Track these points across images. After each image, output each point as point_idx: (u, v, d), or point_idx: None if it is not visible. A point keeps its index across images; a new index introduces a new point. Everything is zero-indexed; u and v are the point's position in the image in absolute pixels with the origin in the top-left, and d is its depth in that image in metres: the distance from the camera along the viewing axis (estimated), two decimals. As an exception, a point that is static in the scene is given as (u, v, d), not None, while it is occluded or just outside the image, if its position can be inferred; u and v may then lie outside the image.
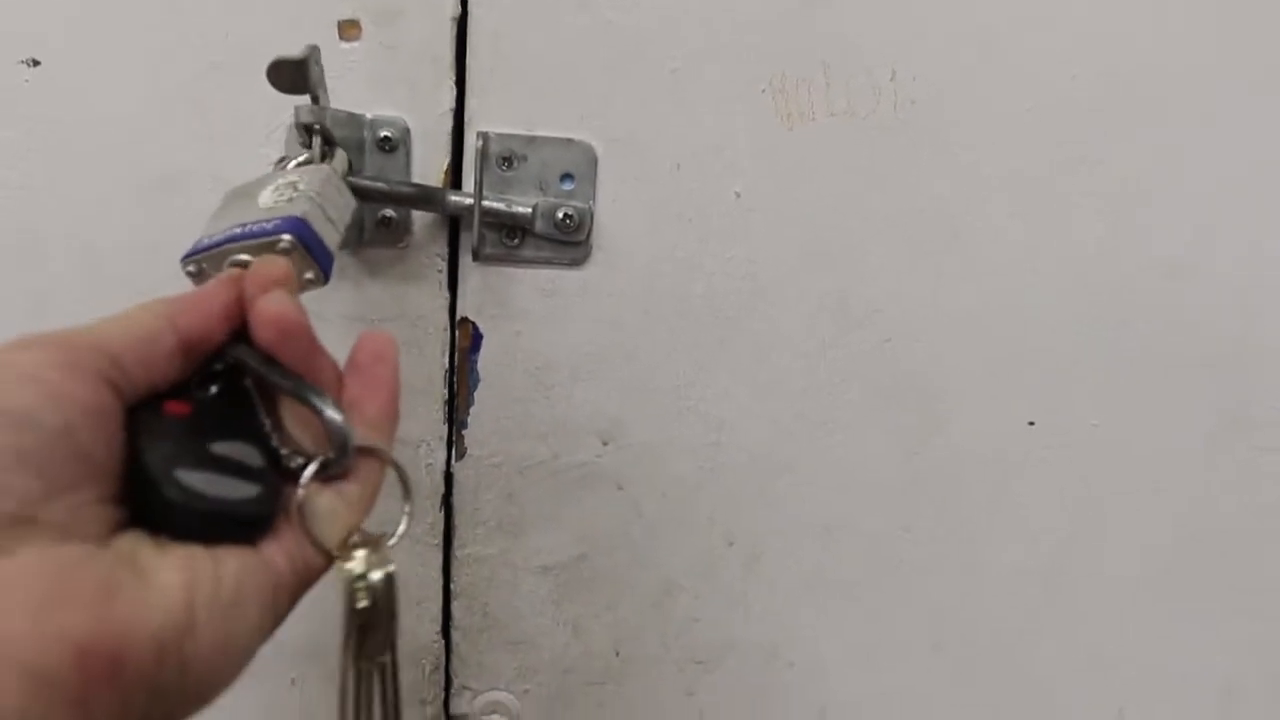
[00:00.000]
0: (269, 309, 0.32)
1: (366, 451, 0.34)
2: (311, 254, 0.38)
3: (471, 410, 0.56)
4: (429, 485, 0.57)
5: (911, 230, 0.53)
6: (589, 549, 0.58)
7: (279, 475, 0.32)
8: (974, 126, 0.52)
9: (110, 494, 0.28)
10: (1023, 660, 0.61)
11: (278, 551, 0.31)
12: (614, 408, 0.56)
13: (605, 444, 0.56)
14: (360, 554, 0.32)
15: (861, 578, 0.59)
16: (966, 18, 0.51)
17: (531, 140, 0.52)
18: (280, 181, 0.42)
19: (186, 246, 0.38)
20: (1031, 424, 0.56)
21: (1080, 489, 0.58)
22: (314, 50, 0.45)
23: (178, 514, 0.29)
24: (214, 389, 0.33)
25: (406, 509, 0.35)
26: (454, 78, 0.51)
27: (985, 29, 0.51)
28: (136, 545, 0.28)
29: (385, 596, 0.32)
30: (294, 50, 0.44)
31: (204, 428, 0.31)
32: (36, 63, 0.50)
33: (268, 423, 0.33)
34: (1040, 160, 0.53)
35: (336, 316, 0.55)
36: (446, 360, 0.55)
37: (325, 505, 0.32)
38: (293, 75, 0.44)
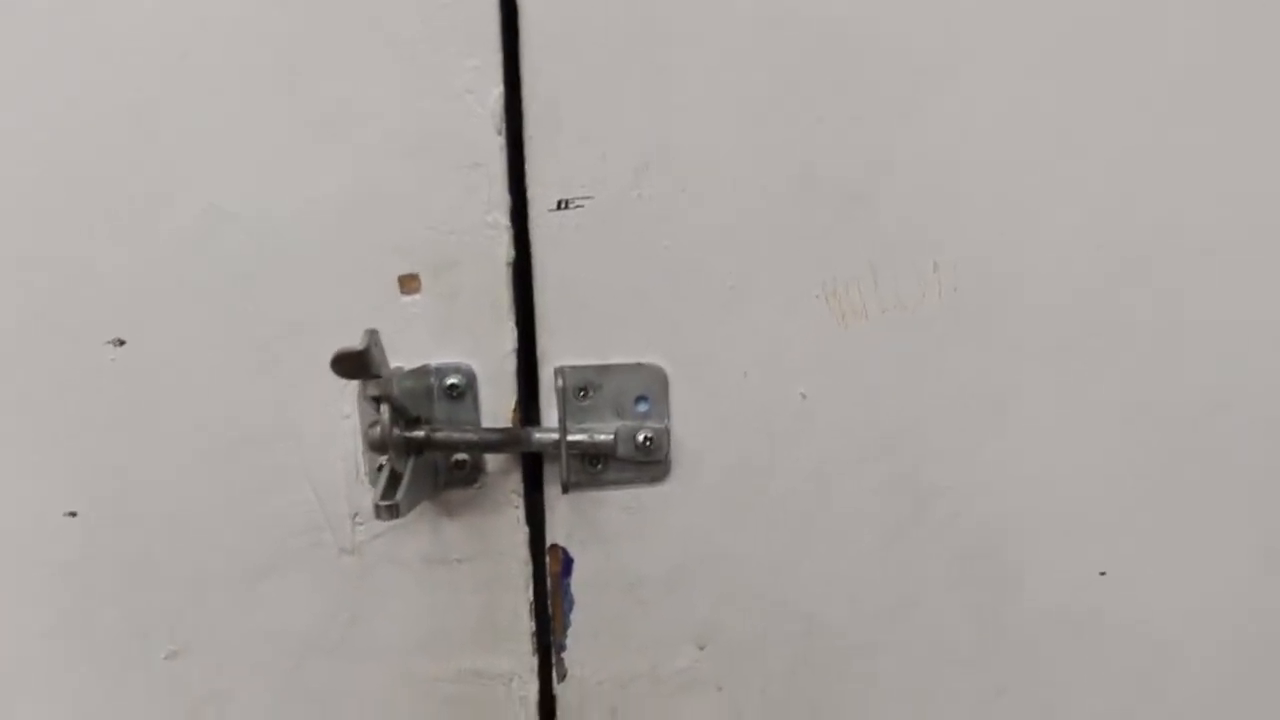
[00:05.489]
0: None
1: None
2: None
3: (569, 632, 0.56)
4: (524, 718, 0.56)
5: (966, 408, 0.55)
6: (696, 756, 0.58)
7: None
8: (1013, 303, 0.54)
9: None
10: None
11: None
12: (706, 612, 0.56)
13: (701, 648, 0.57)
14: None
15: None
16: (996, 202, 0.53)
17: (605, 369, 0.53)
18: None
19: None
20: (1103, 574, 0.58)
21: (1149, 628, 0.60)
22: (373, 335, 0.46)
23: None
24: None
25: None
26: (514, 319, 0.52)
27: (1015, 209, 0.53)
28: None
29: None
30: (355, 337, 0.45)
31: None
32: (122, 342, 0.51)
33: None
34: (1074, 326, 0.55)
35: (415, 559, 0.54)
36: (531, 593, 0.55)
37: None
38: (355, 364, 0.45)
